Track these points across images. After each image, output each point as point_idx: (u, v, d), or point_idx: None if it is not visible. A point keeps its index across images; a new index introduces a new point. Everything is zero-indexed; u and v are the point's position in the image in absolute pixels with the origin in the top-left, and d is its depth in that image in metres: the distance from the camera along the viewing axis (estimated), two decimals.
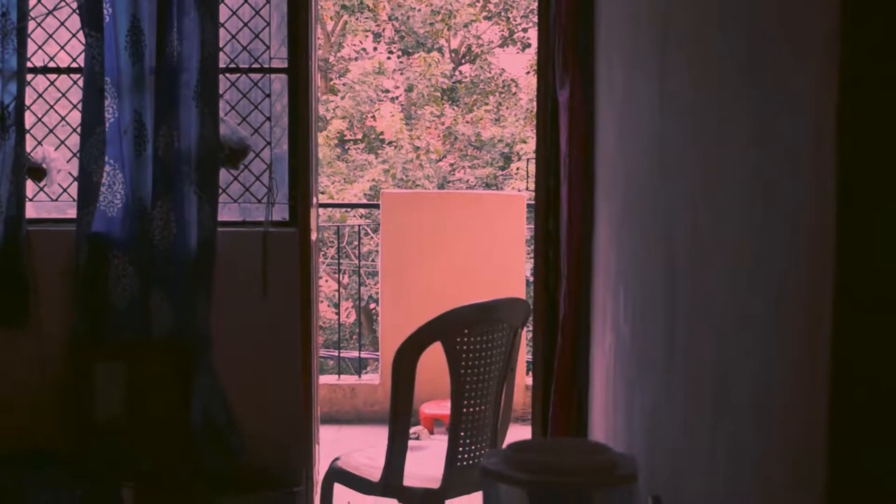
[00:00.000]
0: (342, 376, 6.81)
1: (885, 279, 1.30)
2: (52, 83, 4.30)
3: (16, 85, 4.06)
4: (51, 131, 4.31)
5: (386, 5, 14.56)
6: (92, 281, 4.07)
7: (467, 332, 3.44)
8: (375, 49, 14.83)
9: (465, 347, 3.44)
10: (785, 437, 1.52)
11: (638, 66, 2.82)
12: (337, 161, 13.91)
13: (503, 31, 14.79)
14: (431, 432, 5.84)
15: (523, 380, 6.19)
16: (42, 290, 4.14)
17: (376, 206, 7.99)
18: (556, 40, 3.77)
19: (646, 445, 2.60)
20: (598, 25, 3.57)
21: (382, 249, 6.54)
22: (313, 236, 4.28)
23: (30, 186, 4.24)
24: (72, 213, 4.16)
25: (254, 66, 4.28)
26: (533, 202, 4.30)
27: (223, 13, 4.16)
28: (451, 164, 14.07)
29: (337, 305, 12.25)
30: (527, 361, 6.38)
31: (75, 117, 4.22)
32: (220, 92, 4.14)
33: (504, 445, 2.85)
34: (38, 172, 4.22)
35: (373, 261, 11.90)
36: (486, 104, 14.21)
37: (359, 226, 9.65)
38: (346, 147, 14.36)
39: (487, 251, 6.36)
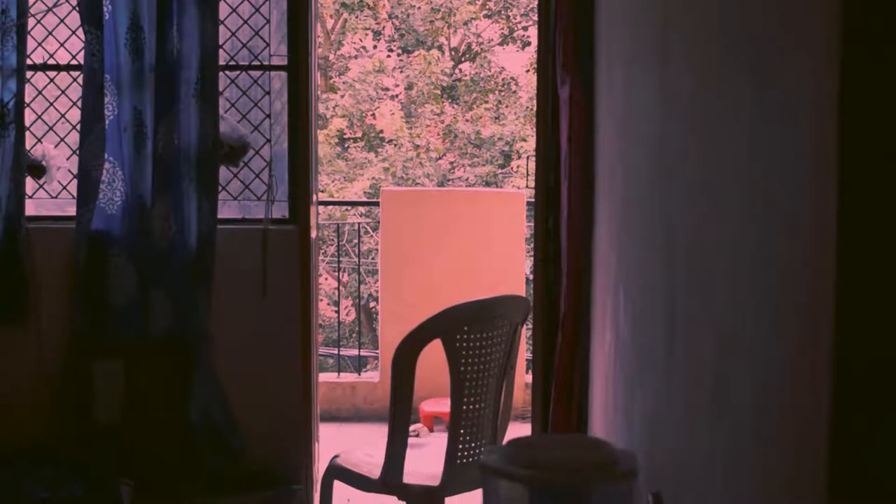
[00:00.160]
0: (342, 374, 6.80)
1: (885, 279, 1.30)
2: (51, 80, 4.29)
3: (15, 82, 4.06)
4: (50, 129, 4.31)
5: (386, 3, 14.55)
6: (91, 279, 4.07)
7: (467, 329, 3.44)
8: (375, 47, 14.82)
9: (464, 345, 3.44)
10: (785, 436, 1.52)
11: (638, 65, 2.82)
12: (337, 159, 13.91)
13: (503, 29, 14.78)
14: (431, 430, 5.84)
15: (523, 378, 6.19)
16: (41, 287, 4.14)
17: (376, 204, 7.99)
18: (556, 38, 3.77)
19: (646, 443, 2.60)
20: (599, 24, 3.56)
21: (382, 247, 6.53)
22: (313, 234, 4.28)
23: (29, 184, 4.23)
24: (71, 210, 4.16)
25: (254, 63, 4.28)
26: (533, 200, 4.30)
27: (223, 10, 4.16)
28: (451, 163, 14.07)
29: (337, 303, 12.25)
30: (526, 360, 6.38)
31: (75, 115, 4.22)
32: (220, 89, 4.13)
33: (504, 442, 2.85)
34: (38, 170, 4.22)
35: (373, 259, 11.90)
36: (486, 102, 14.21)
37: (359, 223, 9.64)
38: (346, 145, 14.36)
39: (487, 249, 6.36)
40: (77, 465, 4.00)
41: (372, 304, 12.98)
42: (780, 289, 1.54)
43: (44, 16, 4.23)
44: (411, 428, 3.80)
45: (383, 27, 14.77)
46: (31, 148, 4.22)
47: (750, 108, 1.72)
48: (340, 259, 12.04)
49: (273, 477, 4.15)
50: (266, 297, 4.17)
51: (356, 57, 14.71)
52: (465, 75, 14.64)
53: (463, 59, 14.88)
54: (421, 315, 3.62)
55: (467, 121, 14.00)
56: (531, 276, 5.43)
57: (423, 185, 13.13)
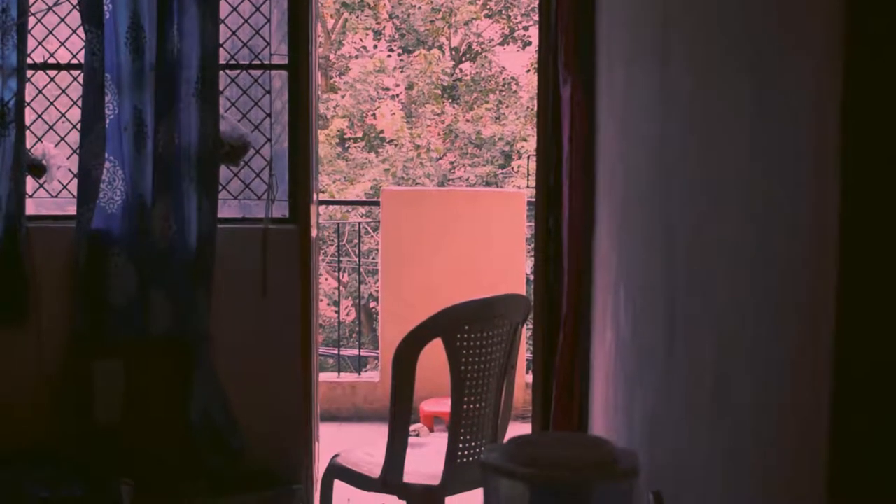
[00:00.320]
0: (342, 374, 6.80)
1: (885, 279, 1.30)
2: (52, 79, 4.29)
3: (16, 81, 4.06)
4: (51, 128, 4.31)
5: (386, 3, 14.55)
6: (91, 278, 4.06)
7: (467, 328, 3.44)
8: (376, 47, 14.82)
9: (465, 344, 3.44)
10: (785, 436, 1.52)
11: (638, 65, 2.82)
12: (337, 160, 13.90)
13: (504, 29, 14.78)
14: (431, 430, 5.84)
15: (524, 378, 6.19)
16: (41, 287, 4.13)
17: (376, 204, 7.98)
18: (556, 38, 3.77)
19: (646, 442, 2.60)
20: (599, 24, 3.56)
21: (382, 247, 6.53)
22: (313, 233, 4.28)
23: (29, 183, 4.23)
24: (71, 209, 4.15)
25: (254, 62, 4.28)
26: (533, 199, 4.30)
27: (223, 9, 4.16)
28: (452, 163, 14.06)
29: (337, 303, 12.25)
30: (527, 360, 6.37)
31: (75, 114, 4.22)
32: (221, 88, 4.13)
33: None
34: (38, 169, 4.22)
35: (373, 259, 11.90)
36: (487, 102, 14.20)
37: (359, 223, 9.64)
38: (347, 145, 14.36)
39: (488, 248, 6.35)
40: (77, 465, 4.00)
41: (372, 304, 12.98)
42: (780, 289, 1.54)
43: (44, 15, 4.23)
44: (411, 427, 3.80)
45: (384, 27, 14.77)
46: (32, 147, 4.22)
47: (750, 108, 1.72)
48: (341, 259, 12.04)
49: (273, 477, 4.15)
50: (266, 296, 4.17)
51: (357, 57, 14.71)
52: (466, 75, 14.64)
53: (463, 59, 14.88)
54: (421, 315, 3.61)
55: (468, 121, 14.00)
56: (531, 276, 5.43)
57: (424, 185, 13.13)
